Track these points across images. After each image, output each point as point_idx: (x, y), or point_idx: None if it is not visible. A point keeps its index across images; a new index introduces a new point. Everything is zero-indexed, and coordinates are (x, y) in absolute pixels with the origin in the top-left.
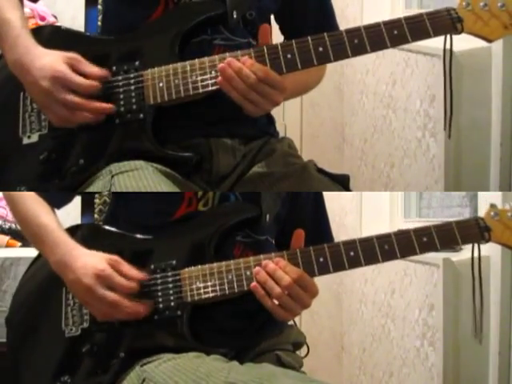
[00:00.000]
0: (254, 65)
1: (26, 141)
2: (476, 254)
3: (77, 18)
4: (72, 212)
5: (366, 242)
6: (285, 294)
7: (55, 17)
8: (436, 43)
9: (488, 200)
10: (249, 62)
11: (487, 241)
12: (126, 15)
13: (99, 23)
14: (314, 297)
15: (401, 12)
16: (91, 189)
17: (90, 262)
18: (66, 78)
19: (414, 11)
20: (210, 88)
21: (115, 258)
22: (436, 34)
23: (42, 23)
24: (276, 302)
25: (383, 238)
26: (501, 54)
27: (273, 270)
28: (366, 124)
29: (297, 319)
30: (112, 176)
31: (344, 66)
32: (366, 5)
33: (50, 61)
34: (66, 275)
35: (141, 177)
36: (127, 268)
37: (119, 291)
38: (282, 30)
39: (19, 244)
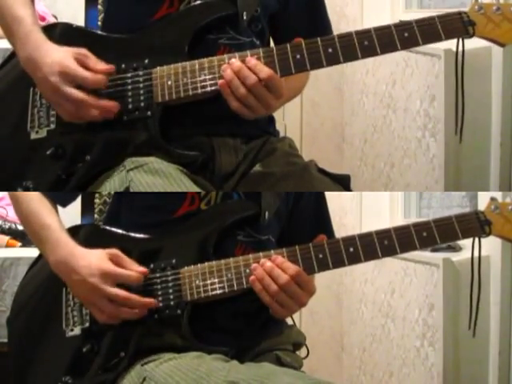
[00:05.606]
0: (258, 65)
1: (34, 136)
2: (477, 247)
3: (77, 18)
4: (72, 212)
5: (366, 238)
6: (281, 292)
7: (55, 17)
8: (436, 43)
9: (488, 200)
10: (252, 62)
11: (488, 234)
12: (128, 13)
13: (99, 23)
14: (311, 295)
15: (400, 11)
16: (106, 185)
17: (94, 261)
18: (73, 72)
19: (414, 11)
20: (219, 87)
21: (115, 252)
22: (447, 38)
23: (41, 23)
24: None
25: (383, 234)
26: (501, 54)
27: (270, 269)
28: (366, 124)
29: (297, 319)
30: (127, 171)
31: (344, 65)
32: (365, 4)
33: (59, 56)
34: (68, 276)
35: (158, 172)
36: (129, 262)
37: (126, 284)
38: (274, 33)
39: (19, 244)
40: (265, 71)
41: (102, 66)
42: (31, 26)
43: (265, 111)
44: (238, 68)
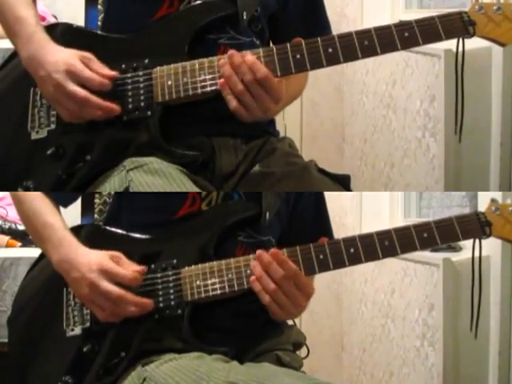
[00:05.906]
0: (256, 64)
1: (34, 136)
2: (477, 248)
3: (77, 18)
4: (72, 212)
5: (366, 239)
6: (279, 290)
7: (55, 17)
8: (436, 43)
9: (488, 200)
10: (251, 61)
11: (488, 235)
12: (128, 13)
13: (99, 23)
14: (309, 298)
15: (400, 11)
16: (106, 185)
17: (94, 259)
18: (79, 71)
19: (414, 11)
20: (219, 87)
21: (117, 253)
22: (448, 38)
23: (41, 23)
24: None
25: (383, 234)
26: (501, 54)
27: (268, 262)
28: (366, 124)
29: (297, 319)
30: (127, 171)
31: (344, 66)
32: (365, 4)
33: (65, 56)
34: (69, 273)
35: (158, 172)
36: (128, 264)
37: (124, 284)
38: (274, 33)
39: (19, 244)
40: (262, 71)
41: (107, 71)
42: (34, 27)
43: (262, 113)
44: (238, 64)
